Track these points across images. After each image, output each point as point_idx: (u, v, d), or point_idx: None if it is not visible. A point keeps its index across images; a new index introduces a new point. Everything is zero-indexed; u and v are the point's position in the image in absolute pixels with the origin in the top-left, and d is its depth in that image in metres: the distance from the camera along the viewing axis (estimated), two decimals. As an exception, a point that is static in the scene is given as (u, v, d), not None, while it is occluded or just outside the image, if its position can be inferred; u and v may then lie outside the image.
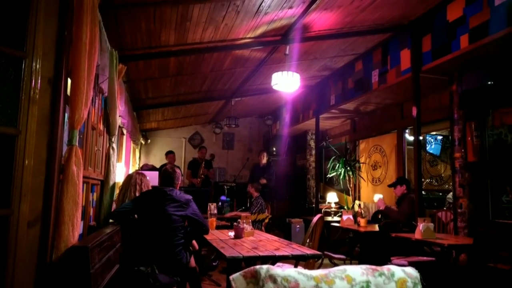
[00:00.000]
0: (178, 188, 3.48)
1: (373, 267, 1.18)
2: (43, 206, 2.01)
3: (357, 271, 1.14)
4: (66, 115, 2.26)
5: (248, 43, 4.50)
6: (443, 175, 6.81)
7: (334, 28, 4.42)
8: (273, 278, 1.07)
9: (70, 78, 2.22)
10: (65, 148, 2.23)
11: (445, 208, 5.19)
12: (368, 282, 1.11)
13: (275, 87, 4.67)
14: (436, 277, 3.67)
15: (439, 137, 7.09)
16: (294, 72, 4.55)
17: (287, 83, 4.52)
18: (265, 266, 1.09)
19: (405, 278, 1.15)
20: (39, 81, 2.02)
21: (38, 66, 2.02)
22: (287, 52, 4.53)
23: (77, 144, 2.25)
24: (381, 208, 4.89)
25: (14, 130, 1.92)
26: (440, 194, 6.64)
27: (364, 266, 1.17)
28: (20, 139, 1.95)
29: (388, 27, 4.61)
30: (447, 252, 3.53)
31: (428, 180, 6.91)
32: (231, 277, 1.11)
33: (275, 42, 4.57)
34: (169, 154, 7.81)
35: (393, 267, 1.19)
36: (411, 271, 1.19)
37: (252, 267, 1.11)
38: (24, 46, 1.97)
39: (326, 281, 1.09)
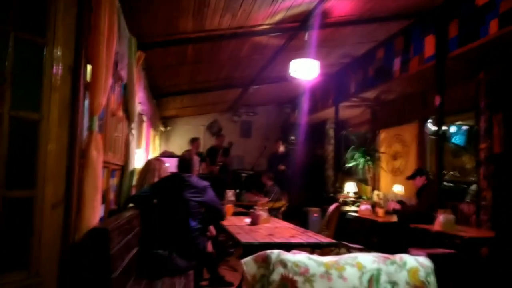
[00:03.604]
0: (195, 174, 3.53)
1: (385, 255, 1.17)
2: (66, 189, 2.07)
3: (369, 259, 1.14)
4: (86, 101, 2.31)
5: (266, 30, 4.45)
6: (467, 166, 6.63)
7: (354, 14, 4.32)
8: (283, 263, 1.08)
9: (90, 65, 2.26)
10: (85, 133, 2.28)
11: (467, 200, 5.06)
12: (379, 270, 1.11)
13: (293, 75, 4.62)
14: (456, 270, 3.60)
15: (464, 127, 6.88)
16: (313, 59, 4.48)
17: (306, 70, 4.46)
18: (276, 251, 1.10)
19: (418, 267, 1.14)
20: (60, 68, 2.07)
21: (59, 53, 2.06)
22: (306, 39, 4.47)
23: (97, 130, 2.30)
24: (396, 208, 4.79)
25: (37, 115, 1.98)
26: (464, 186, 6.47)
27: (376, 254, 1.16)
28: (43, 125, 2.01)
29: (412, 13, 4.46)
30: (468, 245, 3.46)
31: (451, 172, 6.74)
32: (242, 261, 1.12)
33: (294, 29, 4.51)
34: (195, 141, 7.50)
35: (405, 256, 1.17)
36: (424, 260, 1.17)
37: (263, 252, 1.12)
38: (45, 34, 2.02)
39: (336, 267, 1.09)
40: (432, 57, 4.38)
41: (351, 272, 1.09)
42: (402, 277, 1.11)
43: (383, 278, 1.10)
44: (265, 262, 1.09)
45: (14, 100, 1.88)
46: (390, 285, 1.09)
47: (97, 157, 2.26)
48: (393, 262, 1.14)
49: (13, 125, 1.87)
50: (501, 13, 3.46)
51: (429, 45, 4.45)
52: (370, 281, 1.09)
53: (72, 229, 2.06)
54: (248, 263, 1.11)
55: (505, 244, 3.15)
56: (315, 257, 1.14)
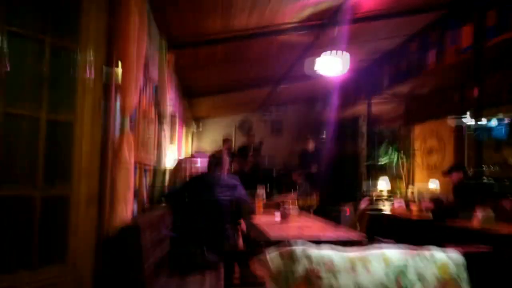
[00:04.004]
0: (226, 172, 3.56)
1: (413, 248, 1.13)
2: (99, 187, 2.16)
3: (396, 253, 1.10)
4: (118, 102, 2.39)
5: (294, 28, 4.42)
6: (509, 161, 6.28)
7: (384, 8, 4.20)
8: (308, 257, 1.07)
9: (121, 68, 2.34)
10: (117, 134, 2.36)
11: (509, 196, 4.80)
12: (406, 264, 1.07)
13: (320, 72, 4.54)
14: (495, 267, 3.42)
15: (506, 120, 6.53)
16: (343, 52, 4.38)
17: (335, 66, 4.38)
18: (300, 245, 1.10)
19: (448, 262, 1.09)
20: (92, 71, 2.16)
21: (91, 57, 2.15)
22: (335, 35, 4.39)
23: (128, 129, 2.38)
24: (429, 207, 4.56)
25: (71, 117, 2.08)
26: (506, 181, 6.14)
27: (403, 248, 1.13)
28: (77, 126, 2.10)
29: (446, 3, 4.28)
30: (507, 242, 3.28)
31: (491, 167, 6.41)
32: (267, 255, 1.12)
33: (322, 25, 4.44)
34: (226, 142, 7.77)
35: (434, 250, 1.13)
36: (455, 255, 1.12)
37: (288, 246, 1.12)
38: (78, 39, 2.11)
39: (362, 261, 1.07)
40: (469, 47, 4.19)
41: (377, 266, 1.06)
42: (431, 271, 1.07)
43: (411, 273, 1.06)
44: (291, 257, 1.09)
45: (50, 104, 1.98)
46: (418, 280, 1.06)
47: (129, 156, 2.34)
48: (421, 256, 1.10)
49: (49, 128, 1.97)
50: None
51: (466, 35, 4.25)
52: (397, 275, 1.06)
53: (106, 225, 2.15)
54: (273, 257, 1.11)
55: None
56: (340, 250, 1.12)
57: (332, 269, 1.05)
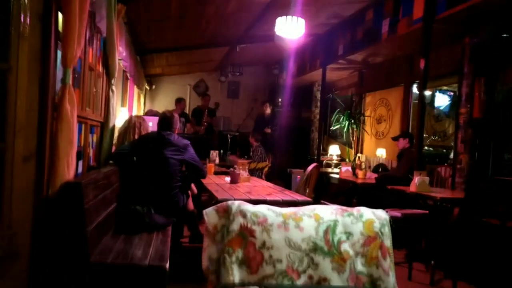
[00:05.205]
0: (176, 133, 3.51)
1: (344, 207, 1.20)
2: (38, 143, 2.04)
3: (327, 211, 1.16)
4: (59, 53, 2.22)
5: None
6: (448, 131, 6.73)
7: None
8: (243, 213, 1.10)
9: (62, 14, 2.16)
10: (59, 86, 2.22)
11: (446, 164, 5.18)
12: (335, 221, 1.14)
13: (278, 33, 4.50)
14: (429, 229, 3.75)
15: (450, 93, 6.91)
16: (299, 18, 4.35)
17: (291, 29, 4.35)
18: (236, 202, 1.12)
19: (373, 219, 1.18)
20: (28, 16, 1.98)
21: (26, 0, 1.96)
22: (293, -4, 4.32)
23: (71, 83, 2.24)
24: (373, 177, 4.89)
25: (5, 65, 1.91)
26: (444, 150, 6.61)
27: (334, 206, 1.19)
28: (12, 75, 1.94)
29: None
30: (440, 205, 3.58)
31: (432, 136, 6.84)
32: (204, 211, 1.14)
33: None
34: (180, 102, 7.36)
35: (362, 209, 1.20)
36: (381, 213, 1.21)
37: (224, 203, 1.14)
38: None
39: (294, 218, 1.12)
40: (420, 19, 4.30)
41: (308, 223, 1.12)
42: (357, 228, 1.15)
43: (339, 229, 1.14)
44: (226, 212, 1.11)
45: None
46: (345, 235, 1.13)
47: (71, 111, 2.21)
48: (350, 214, 1.17)
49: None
50: (491, -26, 3.37)
51: (418, 6, 4.35)
52: (326, 231, 1.12)
53: (45, 182, 2.06)
54: (210, 213, 1.13)
55: (473, 204, 3.27)
56: (274, 208, 1.16)
57: (265, 225, 1.09)
